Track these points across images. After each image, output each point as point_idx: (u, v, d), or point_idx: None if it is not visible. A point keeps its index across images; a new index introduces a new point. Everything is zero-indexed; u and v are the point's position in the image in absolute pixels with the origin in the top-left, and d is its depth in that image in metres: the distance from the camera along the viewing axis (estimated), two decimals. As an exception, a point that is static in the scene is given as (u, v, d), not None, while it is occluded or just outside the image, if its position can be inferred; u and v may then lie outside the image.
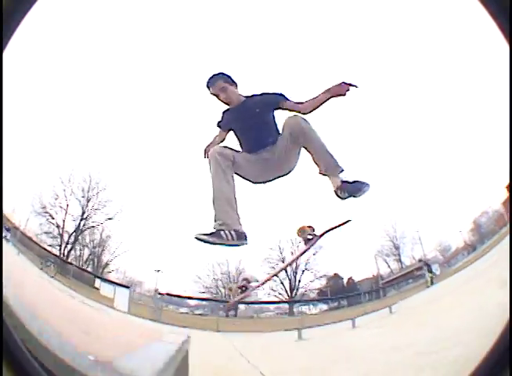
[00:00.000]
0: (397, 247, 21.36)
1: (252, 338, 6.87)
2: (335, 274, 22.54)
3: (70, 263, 14.82)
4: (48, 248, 15.00)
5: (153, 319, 9.26)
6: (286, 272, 21.44)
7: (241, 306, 19.47)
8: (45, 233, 16.10)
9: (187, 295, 17.74)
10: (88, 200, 17.51)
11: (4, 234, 10.20)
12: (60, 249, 15.89)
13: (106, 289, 12.20)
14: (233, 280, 20.83)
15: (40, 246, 14.22)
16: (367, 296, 19.63)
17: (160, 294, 14.85)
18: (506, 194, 14.85)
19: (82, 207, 17.30)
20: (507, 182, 14.53)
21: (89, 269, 15.95)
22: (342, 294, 20.11)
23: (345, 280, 22.77)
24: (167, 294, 15.41)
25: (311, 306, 20.71)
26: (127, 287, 13.20)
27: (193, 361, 1.98)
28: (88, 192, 17.59)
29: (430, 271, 14.78)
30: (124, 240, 17.45)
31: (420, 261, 16.07)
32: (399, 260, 21.34)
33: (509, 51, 0.74)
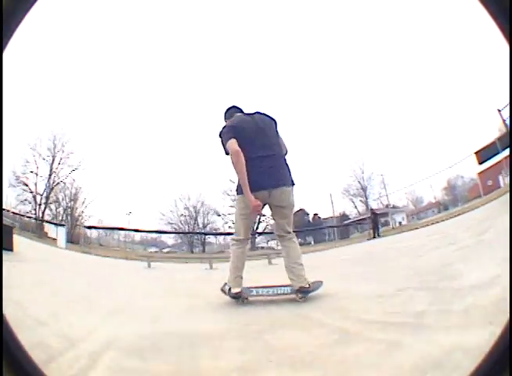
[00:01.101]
0: (364, 189, 21.14)
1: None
2: (301, 209, 22.49)
3: (42, 221, 15.28)
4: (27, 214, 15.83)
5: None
6: None
7: (211, 241, 20.36)
8: (21, 201, 17.00)
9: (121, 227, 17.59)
10: (54, 157, 18.23)
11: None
12: (36, 213, 16.65)
13: (51, 231, 13.38)
14: (196, 214, 21.07)
15: (14, 213, 14.87)
16: (330, 235, 19.43)
17: (88, 227, 15.87)
18: (479, 166, 15.23)
19: (49, 165, 18.06)
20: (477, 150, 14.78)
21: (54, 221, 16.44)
22: (302, 229, 19.73)
23: (311, 217, 22.59)
24: (95, 227, 16.42)
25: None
26: (62, 225, 14.04)
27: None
28: (54, 149, 18.27)
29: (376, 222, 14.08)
30: (93, 189, 19.58)
31: (371, 210, 15.15)
32: (366, 202, 21.15)
33: (509, 51, 0.74)
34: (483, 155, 15.22)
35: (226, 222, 21.47)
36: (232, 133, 2.28)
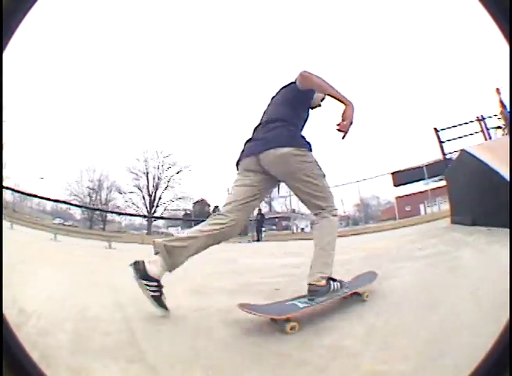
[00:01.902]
0: None
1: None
2: (202, 200, 22.33)
3: None
4: None
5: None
6: (148, 188, 21.44)
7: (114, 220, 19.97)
8: None
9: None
10: None
11: None
12: None
13: None
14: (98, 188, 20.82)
15: None
16: None
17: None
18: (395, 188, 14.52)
19: None
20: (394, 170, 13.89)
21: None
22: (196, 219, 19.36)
23: (211, 209, 22.22)
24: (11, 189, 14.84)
25: (180, 229, 20.31)
26: None
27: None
28: None
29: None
30: (10, 148, 17.56)
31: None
32: (269, 203, 21.03)
33: (509, 51, 0.74)
34: (402, 177, 13.81)
35: (126, 201, 21.28)
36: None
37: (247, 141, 1.99)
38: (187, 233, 1.78)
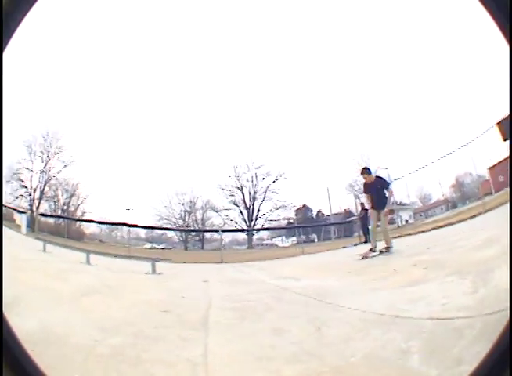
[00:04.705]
0: None
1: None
2: (304, 205, 21.10)
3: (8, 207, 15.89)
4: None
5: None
6: (244, 202, 20.80)
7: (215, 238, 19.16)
8: (16, 197, 17.18)
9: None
10: (48, 153, 18.46)
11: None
12: (31, 208, 17.02)
13: (18, 218, 14.21)
14: (192, 210, 20.69)
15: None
16: (336, 232, 18.39)
17: (42, 215, 15.73)
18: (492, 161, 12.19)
19: (44, 162, 18.22)
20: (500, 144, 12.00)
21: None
22: (301, 225, 18.60)
23: (314, 213, 21.22)
24: (50, 216, 15.84)
25: (284, 238, 19.59)
26: (24, 212, 14.65)
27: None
28: (48, 145, 18.48)
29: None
30: (90, 184, 18.80)
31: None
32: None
33: (509, 51, 0.74)
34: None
35: (223, 218, 20.63)
36: None
37: None
38: None
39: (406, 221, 16.17)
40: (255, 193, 20.92)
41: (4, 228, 11.62)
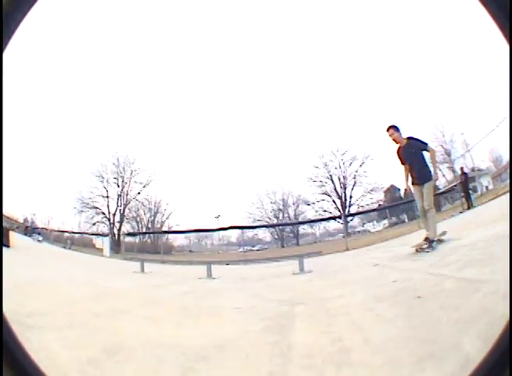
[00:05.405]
0: (448, 153, 17.92)
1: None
2: (391, 186, 19.99)
3: (87, 234, 16.86)
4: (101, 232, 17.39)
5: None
6: (336, 190, 20.05)
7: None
8: (93, 224, 17.92)
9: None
10: (123, 179, 18.91)
11: (35, 237, 14.31)
12: (111, 230, 17.77)
13: (98, 242, 15.14)
14: (284, 206, 20.47)
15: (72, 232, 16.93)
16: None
17: (128, 234, 16.76)
18: None
19: (119, 186, 18.71)
20: None
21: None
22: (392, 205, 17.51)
23: (402, 192, 19.56)
24: (135, 234, 17.09)
25: (375, 222, 19.10)
26: (105, 235, 15.49)
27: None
28: (121, 172, 18.96)
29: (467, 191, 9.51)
30: (171, 200, 19.39)
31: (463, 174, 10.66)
32: (452, 168, 17.77)
33: (509, 51, 0.74)
34: None
35: (317, 211, 19.87)
36: None
37: None
38: None
39: (486, 187, 14.48)
40: (345, 178, 20.29)
41: (84, 254, 12.31)
